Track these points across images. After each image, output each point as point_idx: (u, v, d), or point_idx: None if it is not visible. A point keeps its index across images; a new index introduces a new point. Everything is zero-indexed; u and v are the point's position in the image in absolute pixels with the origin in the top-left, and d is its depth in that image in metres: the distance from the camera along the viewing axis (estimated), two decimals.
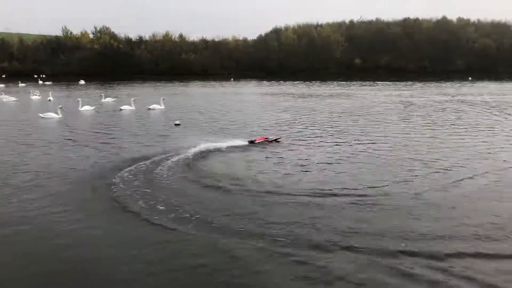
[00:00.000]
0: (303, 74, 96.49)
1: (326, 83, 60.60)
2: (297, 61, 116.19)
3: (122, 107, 28.24)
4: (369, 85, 53.88)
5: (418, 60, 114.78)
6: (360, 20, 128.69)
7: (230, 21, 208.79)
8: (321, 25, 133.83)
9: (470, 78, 70.13)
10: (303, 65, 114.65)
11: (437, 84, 55.65)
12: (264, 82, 67.94)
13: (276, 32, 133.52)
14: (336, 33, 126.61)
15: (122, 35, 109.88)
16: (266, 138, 15.94)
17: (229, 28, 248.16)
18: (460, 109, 26.15)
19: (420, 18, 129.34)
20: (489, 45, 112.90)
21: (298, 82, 65.27)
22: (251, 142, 15.52)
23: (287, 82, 64.56)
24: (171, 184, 10.23)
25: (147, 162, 12.24)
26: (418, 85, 53.85)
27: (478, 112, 24.51)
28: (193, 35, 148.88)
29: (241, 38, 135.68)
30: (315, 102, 31.73)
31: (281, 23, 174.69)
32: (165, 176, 10.85)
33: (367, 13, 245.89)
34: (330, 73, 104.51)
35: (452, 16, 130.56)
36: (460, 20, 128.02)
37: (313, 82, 64.44)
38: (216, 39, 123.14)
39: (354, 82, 61.51)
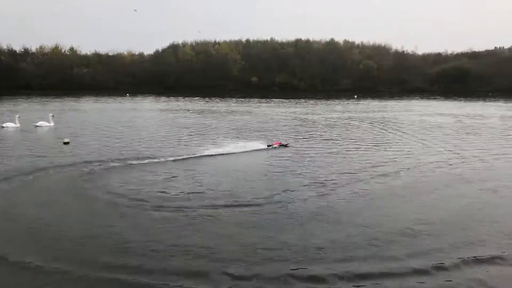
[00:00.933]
0: (201, 90, 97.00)
1: (225, 100, 61.65)
2: (195, 77, 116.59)
3: (3, 125, 25.81)
4: (266, 102, 55.91)
5: (310, 79, 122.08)
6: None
7: (126, 35, 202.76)
8: (218, 43, 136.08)
9: (355, 96, 76.09)
10: (201, 82, 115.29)
11: (327, 101, 59.55)
12: (162, 98, 67.05)
13: (173, 47, 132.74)
14: (234, 51, 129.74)
15: (4, 46, 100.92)
16: (281, 143, 18.54)
17: (125, 42, 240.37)
18: (348, 124, 28.35)
19: (310, 39, 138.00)
20: (372, 66, 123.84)
21: (197, 98, 65.48)
22: (269, 146, 18.02)
23: (186, 98, 64.43)
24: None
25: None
26: (310, 102, 57.22)
27: (365, 127, 26.79)
28: (86, 49, 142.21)
29: (137, 53, 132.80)
30: (214, 118, 32.18)
31: (178, 39, 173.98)
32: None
33: (262, 33, 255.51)
34: (228, 90, 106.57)
35: (339, 38, 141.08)
36: (346, 42, 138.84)
37: (212, 98, 65.13)
38: (111, 53, 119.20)
39: (252, 99, 63.39)
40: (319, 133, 23.59)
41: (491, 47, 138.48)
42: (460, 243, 7.48)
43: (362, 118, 33.31)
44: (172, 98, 64.27)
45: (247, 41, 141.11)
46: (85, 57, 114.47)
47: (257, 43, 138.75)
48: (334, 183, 11.75)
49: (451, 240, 7.58)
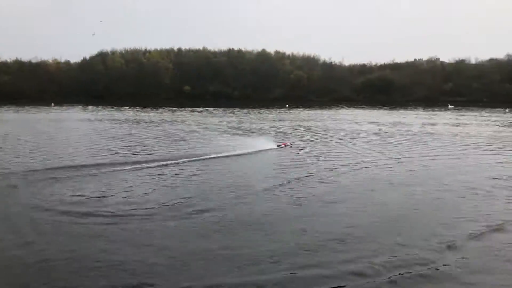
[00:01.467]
0: (132, 99, 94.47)
1: (157, 109, 60.51)
2: (125, 86, 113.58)
3: None
4: (200, 111, 55.61)
5: (243, 88, 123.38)
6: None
7: (50, 41, 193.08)
8: (149, 51, 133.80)
9: (287, 105, 77.81)
10: (131, 90, 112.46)
11: (260, 110, 60.39)
12: (90, 107, 64.46)
13: (102, 55, 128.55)
14: (165, 59, 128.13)
15: None
16: (286, 144, 21.88)
17: (49, 49, 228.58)
18: (283, 132, 28.87)
19: (243, 49, 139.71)
20: (302, 76, 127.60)
21: (127, 107, 63.71)
22: (279, 145, 21.17)
23: (116, 107, 62.45)
24: None
25: None
26: (244, 111, 57.75)
27: (299, 135, 27.39)
28: (5, 55, 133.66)
29: (63, 60, 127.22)
30: (145, 128, 31.41)
31: (107, 46, 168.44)
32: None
33: (194, 42, 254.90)
34: (160, 99, 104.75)
35: (271, 49, 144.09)
36: (277, 53, 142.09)
37: (144, 107, 63.70)
38: (34, 61, 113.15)
39: (185, 108, 62.73)
40: (250, 143, 23.79)
41: (411, 59, 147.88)
42: (388, 246, 7.82)
43: (294, 126, 34.14)
44: (101, 108, 62.01)
45: (179, 49, 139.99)
46: (5, 64, 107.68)
47: (189, 51, 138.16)
48: (266, 190, 11.91)
49: (380, 244, 7.91)
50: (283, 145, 21.55)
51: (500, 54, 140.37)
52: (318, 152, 19.82)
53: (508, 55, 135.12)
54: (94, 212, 9.96)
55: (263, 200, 11.03)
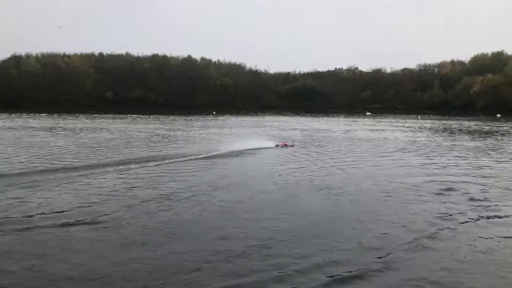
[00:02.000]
0: (49, 106, 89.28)
1: (76, 116, 57.57)
2: (42, 92, 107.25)
3: None
4: (122, 118, 53.71)
5: (168, 95, 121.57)
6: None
7: None
8: (68, 56, 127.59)
9: (214, 112, 77.76)
10: (49, 97, 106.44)
11: (186, 117, 59.68)
12: (2, 115, 59.81)
13: (15, 59, 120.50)
14: (86, 64, 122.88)
15: None
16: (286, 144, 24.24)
17: None
18: (209, 139, 28.65)
19: (168, 55, 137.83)
20: (228, 83, 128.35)
21: (44, 114, 59.97)
22: (277, 145, 23.32)
23: (31, 115, 58.53)
24: None
25: None
26: (170, 118, 56.75)
27: (225, 142, 27.29)
28: None
29: None
30: (64, 136, 29.66)
31: (21, 50, 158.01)
32: None
33: (116, 47, 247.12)
34: (80, 105, 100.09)
35: (197, 56, 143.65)
36: (203, 59, 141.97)
37: (62, 114, 60.32)
38: None
39: (107, 115, 60.32)
40: (178, 151, 23.29)
41: (332, 68, 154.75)
42: (313, 250, 7.93)
43: (222, 133, 34.08)
44: (14, 115, 57.77)
45: (101, 54, 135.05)
46: None
47: (112, 56, 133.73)
48: (189, 198, 11.68)
49: (304, 250, 8.00)
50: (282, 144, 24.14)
51: (412, 64, 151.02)
52: (243, 158, 19.84)
53: (419, 65, 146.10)
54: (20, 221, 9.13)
55: (186, 208, 10.76)
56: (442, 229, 9.08)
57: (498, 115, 78.89)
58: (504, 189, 13.30)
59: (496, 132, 39.42)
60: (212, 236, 8.61)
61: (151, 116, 60.63)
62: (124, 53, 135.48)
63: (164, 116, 60.46)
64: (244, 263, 7.25)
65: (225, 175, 15.20)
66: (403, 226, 9.33)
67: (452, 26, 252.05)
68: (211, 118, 58.57)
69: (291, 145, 24.38)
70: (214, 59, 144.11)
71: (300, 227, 9.29)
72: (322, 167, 17.30)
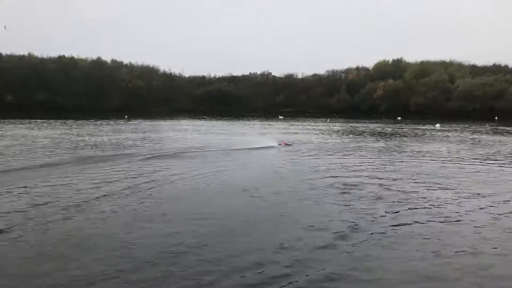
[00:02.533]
0: None
1: None
2: None
3: None
4: (24, 124, 49.83)
5: (76, 98, 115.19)
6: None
7: None
8: None
9: (126, 116, 75.07)
10: None
11: (96, 122, 56.97)
12: None
13: None
14: None
15: None
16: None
17: None
18: (121, 144, 27.52)
19: (75, 56, 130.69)
20: (141, 86, 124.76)
21: None
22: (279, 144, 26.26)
23: None
24: None
25: None
26: (79, 123, 53.79)
27: (139, 147, 26.42)
28: None
29: None
30: None
31: None
32: None
33: (18, 48, 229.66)
34: None
35: (107, 57, 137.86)
36: (114, 62, 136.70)
37: None
38: None
39: (7, 120, 55.61)
40: (90, 154, 22.15)
41: (247, 73, 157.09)
42: (219, 259, 7.91)
43: (135, 138, 32.97)
44: None
45: None
46: None
47: (12, 57, 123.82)
48: (84, 207, 11.15)
49: (212, 256, 7.98)
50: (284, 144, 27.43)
51: (321, 70, 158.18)
52: (153, 162, 19.36)
53: (327, 71, 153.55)
54: None
55: (91, 218, 10.22)
56: (355, 228, 9.58)
57: (399, 118, 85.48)
58: (408, 184, 14.42)
59: (397, 133, 42.66)
60: (119, 245, 8.28)
61: (58, 121, 56.99)
62: (26, 54, 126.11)
63: (73, 121, 57.17)
64: (153, 273, 7.07)
65: (120, 180, 14.72)
66: (316, 226, 9.70)
67: (356, 34, 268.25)
68: (123, 122, 56.49)
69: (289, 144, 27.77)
70: (125, 61, 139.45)
71: (213, 232, 9.26)
72: (235, 170, 17.49)
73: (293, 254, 7.89)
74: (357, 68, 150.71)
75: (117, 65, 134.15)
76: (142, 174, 16.11)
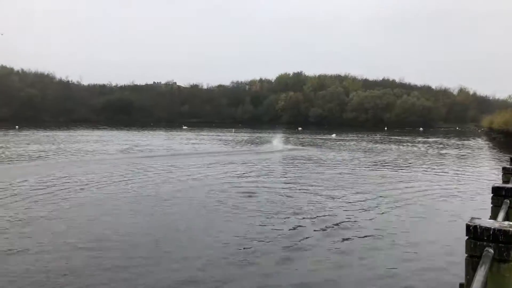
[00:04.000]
0: None
1: None
2: None
3: None
4: None
5: None
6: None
7: None
8: None
9: (17, 126, 69.29)
10: None
11: None
12: None
13: None
14: None
15: None
16: None
17: None
18: (8, 158, 25.42)
19: None
20: (35, 95, 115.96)
21: None
22: None
23: None
24: None
25: None
26: None
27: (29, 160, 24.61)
28: None
29: None
30: None
31: None
32: None
33: None
34: None
35: None
36: (3, 68, 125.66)
37: None
38: None
39: None
40: None
41: (151, 82, 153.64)
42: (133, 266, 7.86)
43: (28, 151, 30.62)
44: None
45: None
46: None
47: None
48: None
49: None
50: None
51: (226, 81, 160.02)
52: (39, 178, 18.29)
53: (232, 82, 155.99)
54: None
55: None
56: (263, 238, 9.96)
57: (300, 128, 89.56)
58: (310, 188, 15.28)
59: (299, 142, 44.79)
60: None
61: None
62: None
63: None
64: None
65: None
66: (221, 240, 9.91)
67: (258, 49, 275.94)
68: (13, 133, 52.11)
69: None
70: (17, 67, 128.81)
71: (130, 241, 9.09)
72: (143, 182, 17.20)
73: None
74: (261, 80, 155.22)
75: (7, 72, 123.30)
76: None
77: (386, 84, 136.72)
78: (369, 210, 12.48)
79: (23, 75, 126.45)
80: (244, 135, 60.61)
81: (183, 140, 45.65)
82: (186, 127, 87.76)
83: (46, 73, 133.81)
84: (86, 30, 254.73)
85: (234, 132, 69.81)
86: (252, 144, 42.52)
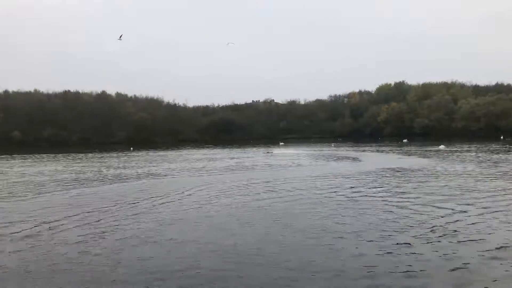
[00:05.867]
0: None
1: None
2: None
3: None
4: (32, 159, 49.97)
5: (81, 132, 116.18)
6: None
7: None
8: None
9: (132, 148, 75.23)
10: None
11: (101, 155, 57.08)
12: None
13: None
14: None
15: None
16: None
17: None
18: (123, 176, 27.31)
19: (80, 91, 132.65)
20: (146, 118, 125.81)
21: None
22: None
23: None
24: None
25: None
26: (82, 156, 53.90)
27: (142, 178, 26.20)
28: None
29: None
30: None
31: None
32: None
33: (24, 84, 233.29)
34: None
35: (111, 91, 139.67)
36: (118, 95, 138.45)
37: None
38: None
39: (15, 156, 55.84)
40: (88, 188, 21.92)
41: (249, 100, 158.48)
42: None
43: (139, 171, 32.83)
44: None
45: (6, 92, 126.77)
46: None
47: (18, 94, 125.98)
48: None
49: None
50: None
51: (324, 95, 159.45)
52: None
53: (330, 96, 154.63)
54: None
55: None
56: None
57: (405, 140, 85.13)
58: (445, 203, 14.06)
59: (409, 155, 42.34)
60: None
61: (64, 155, 57.17)
62: (32, 90, 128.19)
63: (77, 155, 57.29)
64: None
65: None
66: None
67: (355, 59, 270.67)
68: (127, 154, 56.52)
69: None
70: (130, 94, 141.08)
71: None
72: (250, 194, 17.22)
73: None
74: (360, 92, 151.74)
75: (122, 98, 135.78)
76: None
77: (500, 89, 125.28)
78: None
79: (135, 100, 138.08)
80: (346, 149, 59.06)
81: (284, 157, 45.69)
82: (283, 143, 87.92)
83: (155, 97, 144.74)
84: (192, 55, 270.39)
85: (334, 147, 68.49)
86: (354, 159, 41.11)
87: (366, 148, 59.38)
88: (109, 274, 8.04)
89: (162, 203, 15.90)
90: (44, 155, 57.55)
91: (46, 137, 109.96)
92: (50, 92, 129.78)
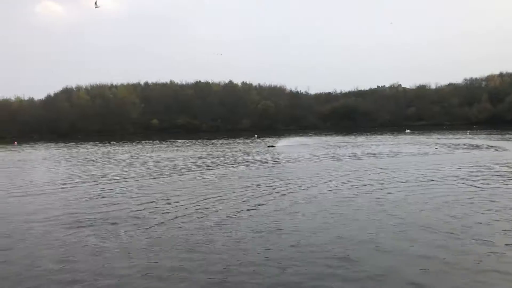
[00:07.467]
0: (99, 136, 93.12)
1: (125, 143, 59.84)
2: (91, 122, 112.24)
3: None
4: (170, 144, 55.20)
5: (211, 120, 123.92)
6: None
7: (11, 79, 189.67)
8: (115, 86, 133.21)
9: (256, 135, 78.14)
10: (98, 126, 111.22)
11: (229, 141, 60.51)
12: (57, 145, 63.00)
13: (67, 92, 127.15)
14: (132, 94, 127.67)
15: None
16: None
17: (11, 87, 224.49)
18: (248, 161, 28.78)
19: (210, 81, 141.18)
20: (269, 106, 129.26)
21: (96, 142, 62.79)
22: None
23: (82, 144, 61.44)
24: None
25: None
26: (213, 142, 57.79)
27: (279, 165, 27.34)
28: None
29: (26, 98, 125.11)
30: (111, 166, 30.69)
31: (71, 82, 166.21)
32: None
33: (161, 75, 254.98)
34: (128, 133, 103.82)
35: (238, 80, 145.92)
36: (244, 84, 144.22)
37: (111, 143, 62.91)
38: None
39: (152, 141, 62.24)
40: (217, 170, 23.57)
41: (374, 86, 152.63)
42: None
43: (265, 159, 34.20)
44: (70, 145, 60.81)
45: (146, 83, 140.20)
46: None
47: (156, 85, 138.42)
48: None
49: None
50: None
51: (458, 79, 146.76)
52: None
53: (465, 80, 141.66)
54: None
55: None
56: None
57: None
58: None
59: None
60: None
61: (194, 141, 61.99)
62: (168, 81, 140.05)
63: (207, 141, 61.62)
64: None
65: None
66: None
67: (498, 36, 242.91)
68: (252, 141, 59.01)
69: None
70: (254, 83, 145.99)
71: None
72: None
73: None
74: (501, 75, 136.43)
75: (247, 87, 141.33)
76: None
77: None
78: None
79: (259, 89, 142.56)
80: (487, 137, 53.66)
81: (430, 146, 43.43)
82: (409, 130, 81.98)
83: (278, 85, 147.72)
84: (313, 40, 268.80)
85: (469, 135, 62.76)
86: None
87: None
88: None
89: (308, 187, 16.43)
90: (180, 141, 63.05)
91: (179, 124, 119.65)
92: (184, 82, 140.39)
